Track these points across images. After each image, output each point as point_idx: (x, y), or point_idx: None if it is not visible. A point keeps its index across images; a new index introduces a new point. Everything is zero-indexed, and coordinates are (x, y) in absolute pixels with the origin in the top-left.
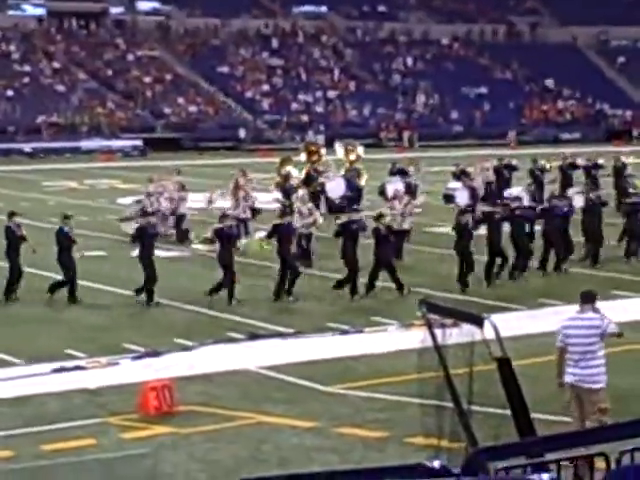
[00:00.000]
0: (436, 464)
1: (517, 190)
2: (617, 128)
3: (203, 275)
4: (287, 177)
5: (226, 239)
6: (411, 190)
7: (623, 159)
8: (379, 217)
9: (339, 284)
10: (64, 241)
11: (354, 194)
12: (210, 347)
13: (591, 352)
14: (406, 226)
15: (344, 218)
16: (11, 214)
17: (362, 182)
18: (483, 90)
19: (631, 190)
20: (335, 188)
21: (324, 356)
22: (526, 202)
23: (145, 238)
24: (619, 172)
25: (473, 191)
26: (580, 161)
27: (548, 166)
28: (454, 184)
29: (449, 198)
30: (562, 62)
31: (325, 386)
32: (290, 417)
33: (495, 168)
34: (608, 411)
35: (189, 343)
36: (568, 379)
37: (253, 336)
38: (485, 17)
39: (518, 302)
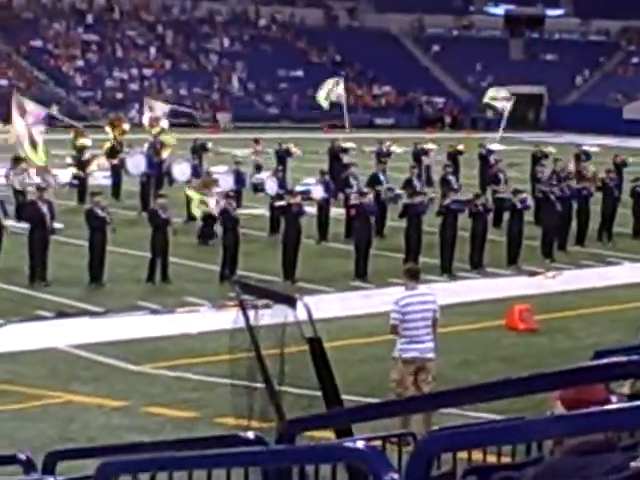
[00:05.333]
0: (250, 435)
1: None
2: (430, 115)
3: (12, 252)
4: (82, 149)
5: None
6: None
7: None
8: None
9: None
10: None
11: (154, 171)
12: (17, 325)
13: (428, 326)
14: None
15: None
16: None
17: (164, 155)
18: (299, 73)
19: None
20: (136, 164)
21: (134, 335)
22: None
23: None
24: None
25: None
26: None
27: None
28: (263, 174)
29: (257, 187)
30: (378, 48)
31: (135, 365)
32: (99, 396)
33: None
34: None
35: None
36: (410, 354)
37: (62, 314)
38: (302, 0)
39: (328, 284)
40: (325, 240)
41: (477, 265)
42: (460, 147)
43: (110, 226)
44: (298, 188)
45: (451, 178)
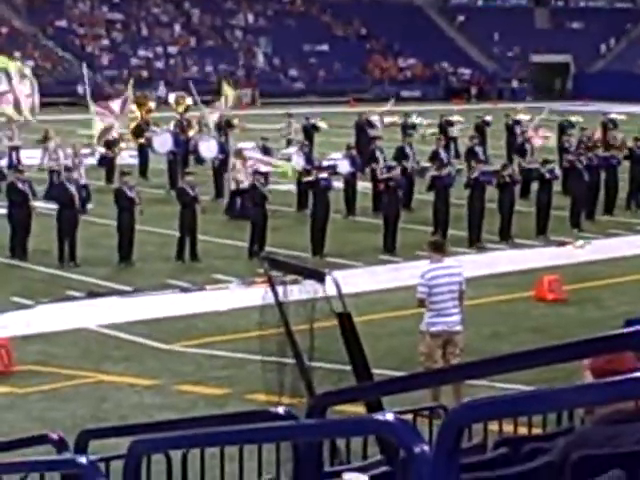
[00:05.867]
0: (280, 410)
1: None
2: (456, 87)
3: (42, 233)
4: (108, 129)
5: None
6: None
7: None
8: None
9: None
10: None
11: (181, 149)
12: (48, 305)
13: (455, 298)
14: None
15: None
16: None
17: (190, 133)
18: (324, 47)
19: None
20: (162, 143)
21: (164, 314)
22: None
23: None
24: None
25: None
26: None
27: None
28: (290, 149)
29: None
30: (403, 20)
31: (166, 344)
32: (130, 375)
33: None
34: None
35: (27, 302)
36: (438, 327)
37: (92, 294)
38: None
39: (356, 258)
40: (353, 214)
41: (505, 236)
42: (487, 118)
43: (138, 207)
44: (325, 163)
45: (478, 149)
